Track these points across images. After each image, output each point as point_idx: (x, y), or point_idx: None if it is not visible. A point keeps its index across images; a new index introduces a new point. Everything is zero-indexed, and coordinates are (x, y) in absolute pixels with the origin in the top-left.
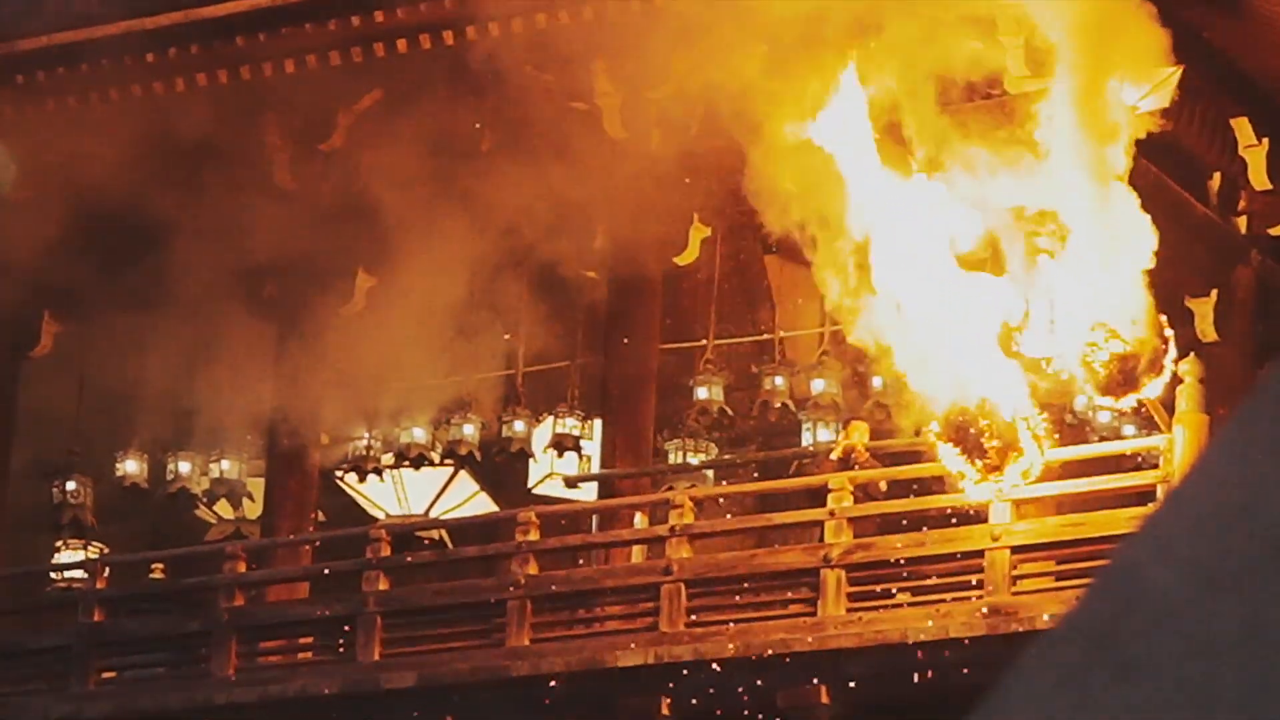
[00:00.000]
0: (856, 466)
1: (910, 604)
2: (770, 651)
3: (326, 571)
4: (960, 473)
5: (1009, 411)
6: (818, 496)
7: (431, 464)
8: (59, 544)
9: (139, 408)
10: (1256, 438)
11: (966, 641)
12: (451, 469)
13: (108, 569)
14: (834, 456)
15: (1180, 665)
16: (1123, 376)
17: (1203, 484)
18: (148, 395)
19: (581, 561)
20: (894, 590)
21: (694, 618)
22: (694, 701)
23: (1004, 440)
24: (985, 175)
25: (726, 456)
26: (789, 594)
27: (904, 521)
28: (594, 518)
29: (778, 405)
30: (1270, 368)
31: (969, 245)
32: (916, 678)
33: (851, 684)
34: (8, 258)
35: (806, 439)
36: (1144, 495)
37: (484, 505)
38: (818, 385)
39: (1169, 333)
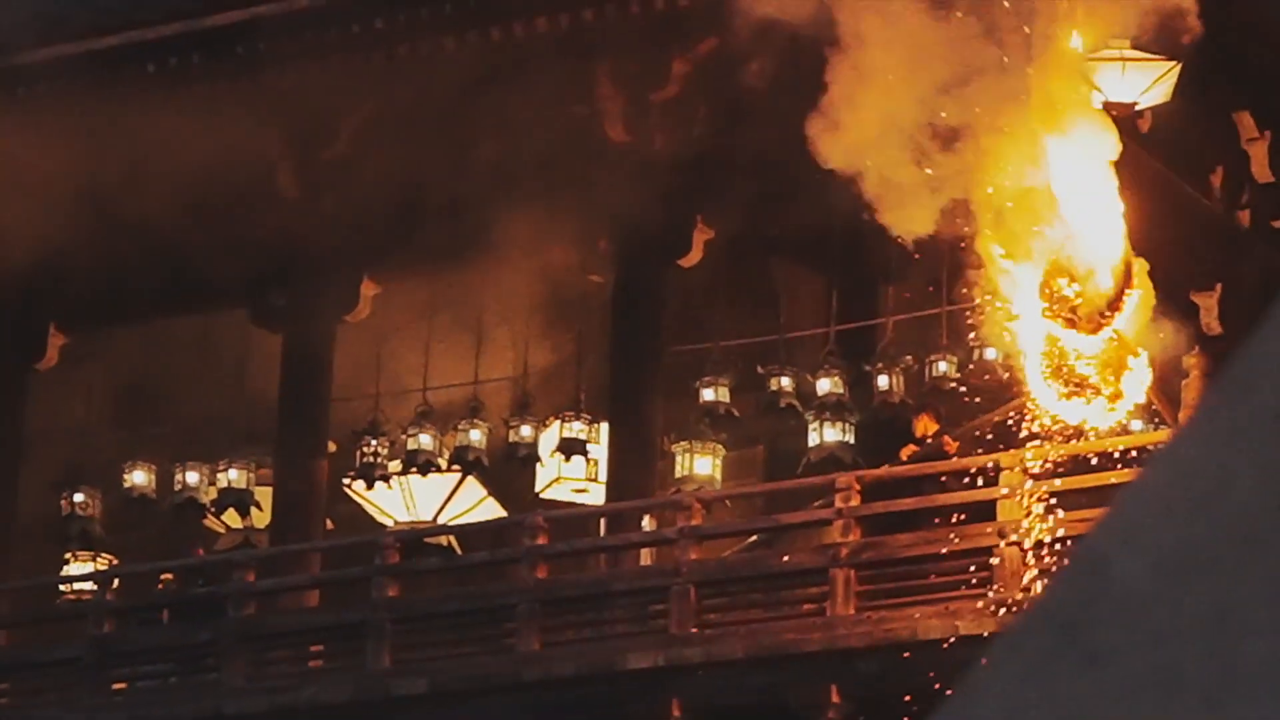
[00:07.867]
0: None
1: (919, 602)
2: (780, 652)
3: (335, 579)
4: (1082, 420)
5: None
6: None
7: (439, 470)
8: (68, 556)
9: (146, 418)
10: (1223, 427)
11: (976, 639)
12: (459, 475)
13: (117, 580)
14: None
15: (1147, 653)
16: (1084, 314)
17: (1169, 473)
18: (154, 406)
19: (597, 562)
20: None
21: (704, 619)
22: (705, 703)
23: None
24: None
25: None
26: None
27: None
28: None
29: (784, 406)
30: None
31: None
32: (927, 676)
33: (862, 683)
34: (12, 271)
35: (813, 439)
36: None
37: (492, 510)
38: (823, 385)
39: (1136, 267)
